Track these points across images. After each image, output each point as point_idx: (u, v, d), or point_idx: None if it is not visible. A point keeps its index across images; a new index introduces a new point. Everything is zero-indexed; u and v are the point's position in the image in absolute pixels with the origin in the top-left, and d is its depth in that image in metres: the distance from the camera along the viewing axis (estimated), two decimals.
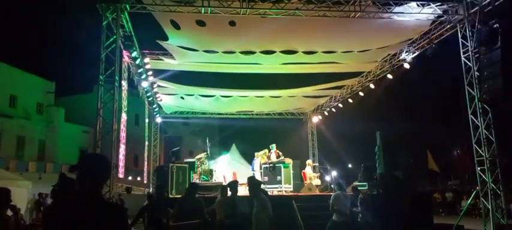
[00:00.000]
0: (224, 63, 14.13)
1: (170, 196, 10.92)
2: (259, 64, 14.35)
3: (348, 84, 17.21)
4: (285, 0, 10.17)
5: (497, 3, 9.78)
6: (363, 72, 15.95)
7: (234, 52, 13.06)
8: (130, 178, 26.32)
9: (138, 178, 26.51)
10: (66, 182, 5.23)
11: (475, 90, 10.30)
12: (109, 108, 9.69)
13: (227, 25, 11.00)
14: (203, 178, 12.98)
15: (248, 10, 10.12)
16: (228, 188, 7.42)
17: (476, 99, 10.31)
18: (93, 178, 2.45)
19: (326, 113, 20.22)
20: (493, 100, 9.85)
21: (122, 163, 12.35)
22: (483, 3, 10.03)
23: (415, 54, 13.11)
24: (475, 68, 10.27)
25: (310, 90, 17.71)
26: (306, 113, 21.72)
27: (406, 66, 13.51)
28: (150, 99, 17.51)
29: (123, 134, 12.26)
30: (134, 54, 12.20)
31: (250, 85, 17.19)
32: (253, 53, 13.12)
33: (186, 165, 12.38)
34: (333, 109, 19.46)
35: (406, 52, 13.45)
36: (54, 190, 5.07)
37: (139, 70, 13.79)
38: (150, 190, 13.54)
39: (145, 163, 19.20)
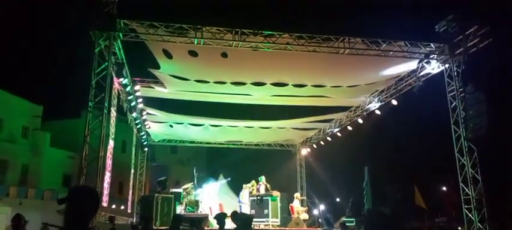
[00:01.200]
0: (215, 92, 14.19)
1: (154, 227, 10.69)
2: (250, 95, 14.46)
3: (337, 118, 17.37)
4: (276, 34, 10.38)
5: (481, 45, 10.12)
6: (352, 106, 16.15)
7: (225, 82, 13.16)
8: (114, 206, 25.65)
9: (122, 207, 25.89)
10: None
11: (461, 129, 10.47)
12: (96, 135, 9.59)
13: (219, 56, 11.13)
14: (188, 209, 12.78)
15: (240, 43, 10.30)
16: (215, 221, 7.28)
17: (462, 137, 10.47)
18: (81, 211, 2.38)
19: (315, 146, 20.26)
20: (479, 139, 10.03)
21: (106, 192, 12.10)
22: (468, 45, 10.36)
23: (403, 91, 13.34)
24: (461, 107, 10.49)
25: (300, 122, 17.82)
26: (295, 145, 21.75)
27: (394, 102, 13.72)
28: (138, 126, 17.37)
29: (109, 161, 12.07)
30: (125, 81, 12.19)
31: (240, 115, 17.25)
32: (244, 84, 13.24)
33: (171, 196, 12.20)
34: (322, 142, 19.52)
35: (393, 89, 13.68)
36: None
37: (129, 98, 13.74)
38: (134, 220, 13.22)
39: (130, 191, 18.83)
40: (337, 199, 36.36)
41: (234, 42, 10.26)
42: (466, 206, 10.39)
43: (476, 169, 10.25)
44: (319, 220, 14.35)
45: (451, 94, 10.95)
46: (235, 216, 6.63)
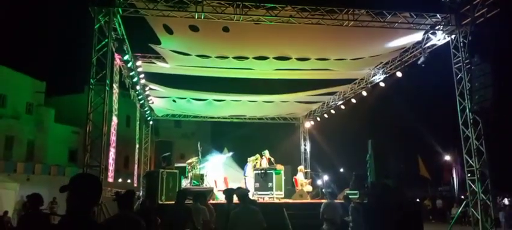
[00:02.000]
0: (217, 67, 14.08)
1: (160, 202, 10.82)
2: (252, 69, 14.34)
3: (341, 91, 17.26)
4: (278, 7, 10.16)
5: (489, 15, 9.87)
6: (356, 79, 16.01)
7: (227, 57, 13.02)
8: (120, 180, 26.07)
9: (129, 181, 26.28)
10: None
11: (466, 101, 10.37)
12: (99, 112, 9.58)
13: (220, 31, 10.95)
14: (194, 182, 12.90)
15: (242, 16, 10.10)
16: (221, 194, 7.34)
17: (467, 109, 10.38)
18: (82, 198, 2.41)
19: (318, 119, 20.24)
20: (484, 111, 9.92)
21: (111, 167, 12.22)
22: (475, 15, 10.11)
23: (408, 63, 13.17)
24: (466, 79, 10.34)
25: (303, 95, 17.73)
26: (298, 118, 21.74)
27: (399, 74, 13.57)
28: (141, 102, 17.38)
29: (113, 138, 12.14)
30: (126, 57, 12.09)
31: (243, 89, 17.19)
32: (246, 58, 13.09)
33: (176, 171, 12.27)
34: (325, 115, 19.48)
35: (398, 61, 13.50)
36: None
37: (131, 73, 13.67)
38: (140, 194, 13.40)
39: (136, 166, 19.03)
40: (341, 170, 36.75)
41: (236, 16, 10.05)
42: (469, 177, 10.41)
43: (480, 141, 10.20)
44: (323, 190, 14.47)
45: (457, 65, 10.77)
46: (233, 192, 6.77)
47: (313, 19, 10.38)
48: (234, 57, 13.05)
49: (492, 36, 9.52)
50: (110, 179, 12.38)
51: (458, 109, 10.69)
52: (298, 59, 13.11)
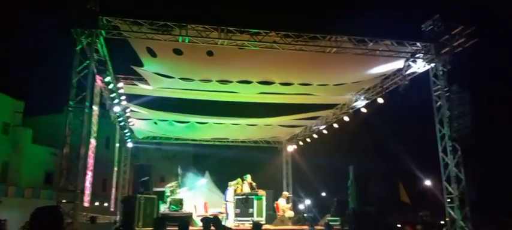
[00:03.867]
0: (200, 90, 14.01)
1: (136, 229, 10.53)
2: (236, 93, 14.32)
3: (323, 115, 17.38)
4: (262, 32, 10.23)
5: (467, 45, 10.17)
6: (338, 104, 16.16)
7: (210, 80, 12.99)
8: (97, 203, 25.32)
9: (106, 204, 25.56)
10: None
11: (445, 128, 10.54)
12: (78, 134, 9.33)
13: (205, 55, 10.94)
14: (172, 207, 12.64)
15: (226, 41, 10.13)
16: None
17: (446, 137, 10.54)
18: None
19: (301, 143, 20.27)
20: (463, 138, 10.10)
21: (88, 191, 11.87)
22: (454, 44, 10.40)
23: (389, 90, 13.37)
24: (446, 107, 10.54)
25: (286, 119, 17.77)
26: (281, 142, 21.73)
27: (380, 100, 13.74)
28: (121, 124, 17.08)
29: (91, 161, 11.83)
30: (108, 79, 11.91)
31: (226, 112, 17.12)
32: (230, 82, 13.09)
33: (154, 196, 12.01)
34: (308, 139, 19.53)
35: (379, 87, 13.70)
36: None
37: (111, 95, 13.45)
38: (117, 219, 13.03)
39: (114, 189, 18.55)
40: (323, 194, 36.69)
41: (220, 40, 10.07)
42: (449, 204, 10.49)
43: (459, 168, 10.34)
44: (305, 215, 14.36)
45: (436, 93, 10.99)
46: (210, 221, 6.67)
47: (297, 45, 10.48)
48: (218, 81, 13.03)
49: (471, 65, 9.81)
50: (86, 204, 12.00)
51: (438, 136, 10.85)
52: (282, 84, 13.18)
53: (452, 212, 10.33)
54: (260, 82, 13.07)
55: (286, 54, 10.81)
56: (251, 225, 12.24)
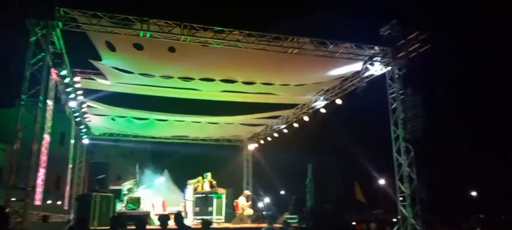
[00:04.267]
0: (161, 86, 13.76)
1: (91, 228, 10.21)
2: (198, 90, 14.20)
3: (284, 115, 17.61)
4: (226, 31, 10.21)
5: (421, 50, 10.68)
6: (299, 104, 16.43)
7: (172, 77, 12.81)
8: (49, 201, 24.26)
9: (59, 202, 24.52)
10: None
11: (400, 130, 11.01)
12: (30, 129, 8.89)
13: (166, 51, 10.75)
14: (129, 206, 12.36)
15: (189, 37, 10.01)
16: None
17: (400, 138, 11.01)
18: None
19: (262, 141, 20.45)
20: (415, 140, 10.60)
21: (40, 189, 11.34)
22: (409, 49, 10.88)
23: (347, 91, 13.77)
24: (400, 109, 11.02)
25: (248, 118, 17.84)
26: (242, 140, 21.79)
27: (338, 101, 14.13)
28: (77, 119, 16.46)
29: (43, 157, 11.30)
30: (64, 72, 11.43)
31: (188, 110, 16.92)
32: (192, 79, 12.96)
33: (111, 194, 11.68)
34: (269, 138, 19.74)
35: (338, 88, 14.08)
36: None
37: (67, 90, 12.92)
38: (71, 218, 12.55)
39: (68, 187, 17.85)
40: (282, 192, 37.20)
41: (183, 37, 9.94)
42: (401, 203, 10.96)
43: (412, 168, 10.83)
44: (264, 213, 14.52)
45: (392, 96, 11.45)
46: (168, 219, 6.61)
47: (260, 44, 10.54)
48: (179, 78, 12.86)
49: (424, 70, 10.30)
50: (38, 202, 11.46)
51: (393, 137, 11.31)
52: (244, 83, 13.21)
53: (404, 211, 10.80)
54: (223, 81, 13.03)
55: (250, 53, 10.85)
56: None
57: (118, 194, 12.59)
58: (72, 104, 14.04)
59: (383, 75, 11.92)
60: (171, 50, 10.74)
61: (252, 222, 13.65)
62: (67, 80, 12.09)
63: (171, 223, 6.63)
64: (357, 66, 12.41)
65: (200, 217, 12.42)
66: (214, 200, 12.61)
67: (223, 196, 13.20)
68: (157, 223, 11.00)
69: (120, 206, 12.36)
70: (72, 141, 17.98)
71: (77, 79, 12.88)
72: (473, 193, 37.37)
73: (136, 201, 12.57)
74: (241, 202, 14.60)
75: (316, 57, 11.24)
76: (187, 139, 20.81)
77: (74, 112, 15.30)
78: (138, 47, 10.58)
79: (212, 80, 12.96)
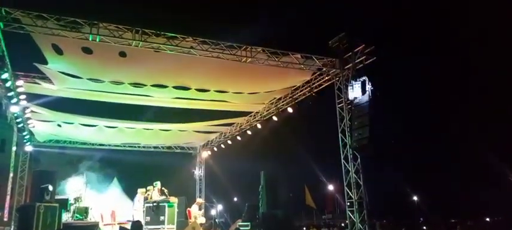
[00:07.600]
0: (111, 92, 13.39)
1: None
2: (150, 96, 13.98)
3: (237, 122, 17.73)
4: (179, 37, 10.17)
5: (367, 62, 11.23)
6: (252, 112, 16.62)
7: (122, 83, 12.52)
8: None
9: None
10: None
11: (347, 138, 11.48)
12: None
13: (117, 55, 10.51)
14: (76, 216, 11.88)
15: (141, 42, 9.87)
16: None
17: (347, 145, 11.48)
18: None
19: (215, 149, 20.44)
20: (362, 148, 11.09)
21: None
22: (356, 61, 11.40)
23: (298, 100, 14.13)
24: (347, 118, 11.50)
25: (201, 125, 17.78)
26: (195, 148, 21.64)
27: (290, 110, 14.47)
28: (20, 126, 15.59)
29: None
30: (5, 76, 10.83)
31: (139, 117, 16.57)
32: (144, 85, 12.75)
33: (56, 204, 11.16)
34: (222, 145, 19.76)
35: (289, 97, 14.42)
36: None
37: (9, 94, 12.23)
38: None
39: (8, 197, 16.80)
40: (235, 199, 37.28)
41: (134, 42, 9.78)
42: (349, 208, 11.40)
43: (359, 175, 11.31)
44: (216, 220, 14.51)
45: (340, 105, 11.91)
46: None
47: (214, 52, 10.60)
48: (131, 84, 12.61)
49: (372, 80, 10.81)
50: None
51: (340, 145, 11.76)
52: (198, 90, 13.21)
53: (352, 216, 11.24)
54: (176, 87, 12.93)
55: (203, 61, 10.87)
56: None
57: (64, 204, 12.08)
58: (14, 109, 13.29)
59: (332, 84, 12.38)
60: (122, 54, 10.52)
61: None
62: (8, 84, 11.46)
63: None
64: (308, 76, 12.83)
65: (151, 227, 12.19)
66: (166, 209, 12.42)
67: (175, 205, 13.03)
68: None
69: (66, 217, 11.85)
70: (14, 148, 16.97)
71: (19, 83, 12.24)
72: (415, 198, 39.68)
73: (84, 211, 12.13)
74: (194, 210, 14.48)
75: (268, 66, 11.47)
76: (139, 147, 20.33)
77: (16, 117, 14.50)
78: (87, 50, 10.26)
79: (165, 87, 12.83)
